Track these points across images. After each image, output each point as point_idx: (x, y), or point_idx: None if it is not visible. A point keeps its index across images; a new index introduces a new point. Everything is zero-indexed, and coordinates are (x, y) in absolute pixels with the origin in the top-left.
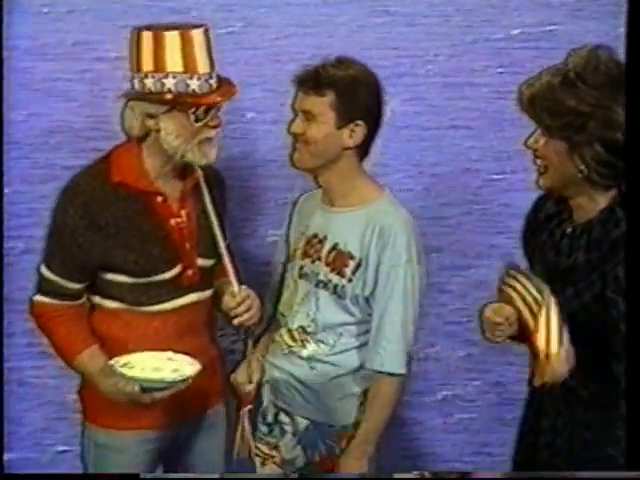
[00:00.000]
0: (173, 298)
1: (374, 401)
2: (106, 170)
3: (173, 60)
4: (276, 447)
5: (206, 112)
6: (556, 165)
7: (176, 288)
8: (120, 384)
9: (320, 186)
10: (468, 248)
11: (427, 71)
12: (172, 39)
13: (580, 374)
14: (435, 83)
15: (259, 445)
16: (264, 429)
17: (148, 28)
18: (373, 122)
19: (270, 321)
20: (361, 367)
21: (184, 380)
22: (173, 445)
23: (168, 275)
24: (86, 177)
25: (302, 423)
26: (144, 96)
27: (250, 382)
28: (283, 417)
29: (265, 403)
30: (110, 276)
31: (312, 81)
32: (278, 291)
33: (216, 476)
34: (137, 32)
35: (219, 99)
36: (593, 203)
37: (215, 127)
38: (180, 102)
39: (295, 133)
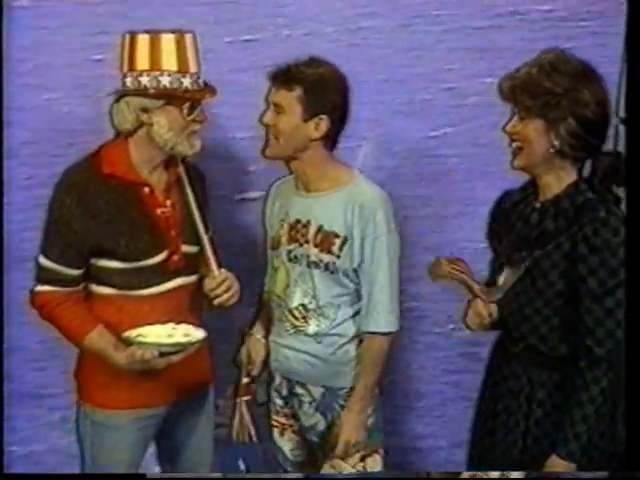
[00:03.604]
0: (161, 282)
1: (368, 360)
2: (97, 163)
3: (168, 60)
4: (294, 416)
5: (192, 108)
6: (532, 143)
7: (163, 273)
8: (138, 353)
9: (291, 173)
10: None
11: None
12: (168, 41)
13: (552, 335)
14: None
15: (277, 417)
16: (280, 402)
17: (143, 32)
18: (338, 117)
19: (261, 302)
20: (358, 333)
21: (195, 342)
22: (165, 423)
23: (155, 260)
24: (79, 170)
25: (317, 391)
26: (141, 92)
27: (250, 362)
28: (298, 389)
29: (278, 380)
30: (102, 262)
31: (283, 76)
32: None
33: (217, 476)
34: (131, 36)
35: (209, 95)
36: (559, 181)
37: (201, 121)
38: (176, 97)
39: (265, 124)
